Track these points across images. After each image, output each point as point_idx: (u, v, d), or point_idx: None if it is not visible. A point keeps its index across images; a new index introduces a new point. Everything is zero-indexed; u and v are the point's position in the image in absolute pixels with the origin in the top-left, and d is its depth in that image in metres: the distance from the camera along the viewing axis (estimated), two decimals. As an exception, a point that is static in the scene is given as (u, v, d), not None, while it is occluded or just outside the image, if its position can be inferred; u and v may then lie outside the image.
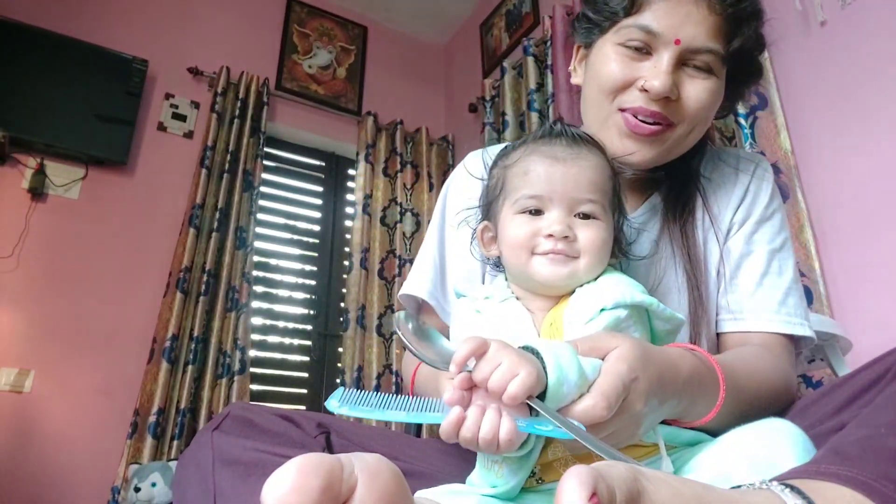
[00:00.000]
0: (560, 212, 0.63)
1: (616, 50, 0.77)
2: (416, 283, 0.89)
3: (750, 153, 0.92)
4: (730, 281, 0.80)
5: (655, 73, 0.73)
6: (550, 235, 0.63)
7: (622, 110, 0.76)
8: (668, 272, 0.80)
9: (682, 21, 0.73)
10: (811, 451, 0.53)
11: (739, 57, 0.77)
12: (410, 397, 0.49)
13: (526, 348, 0.50)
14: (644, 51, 0.75)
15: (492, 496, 0.54)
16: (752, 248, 0.81)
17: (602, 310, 0.59)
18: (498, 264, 0.75)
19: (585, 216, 0.64)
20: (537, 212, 0.65)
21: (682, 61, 0.75)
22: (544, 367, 0.47)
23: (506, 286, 0.69)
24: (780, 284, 0.79)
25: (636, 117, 0.75)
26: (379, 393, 0.49)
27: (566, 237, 0.62)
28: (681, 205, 0.82)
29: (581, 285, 0.65)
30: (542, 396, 0.46)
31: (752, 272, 0.80)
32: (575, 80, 0.87)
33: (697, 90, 0.75)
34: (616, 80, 0.76)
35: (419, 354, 0.50)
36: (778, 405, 0.70)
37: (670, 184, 0.85)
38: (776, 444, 0.52)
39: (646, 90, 0.74)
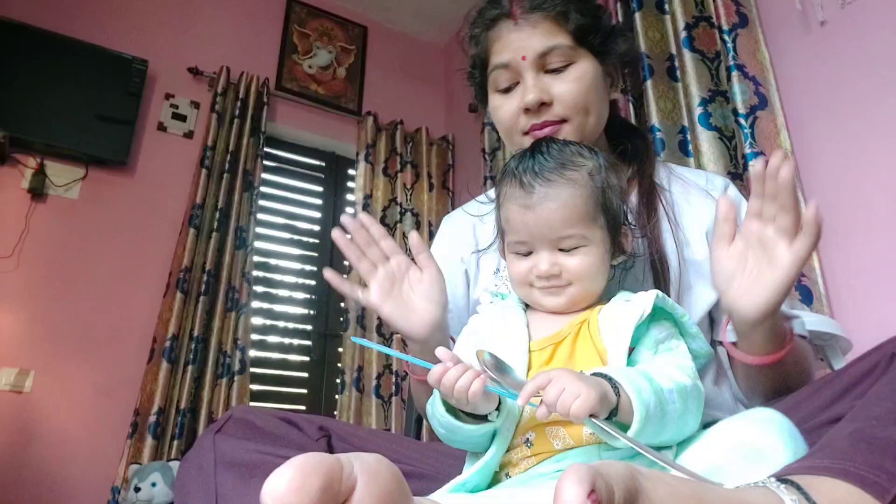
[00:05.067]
0: (544, 252, 0.69)
1: (496, 97, 0.92)
2: None
3: (715, 174, 1.00)
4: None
5: (524, 92, 0.87)
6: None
7: (525, 133, 0.89)
8: (633, 275, 0.83)
9: (518, 44, 0.87)
10: (797, 439, 0.54)
11: (583, 33, 0.87)
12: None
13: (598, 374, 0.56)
14: (512, 86, 0.89)
15: (476, 490, 0.57)
16: None
17: (640, 319, 0.63)
18: None
19: (569, 248, 0.69)
20: (528, 252, 0.71)
21: (542, 69, 0.87)
22: (615, 388, 0.54)
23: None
24: None
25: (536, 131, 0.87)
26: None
27: (553, 274, 0.68)
28: (648, 212, 0.88)
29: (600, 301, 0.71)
30: (614, 412, 0.54)
31: None
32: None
33: (565, 84, 0.86)
34: (506, 118, 0.90)
35: (497, 388, 0.58)
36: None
37: (637, 191, 0.92)
38: (763, 432, 0.53)
39: (527, 109, 0.86)
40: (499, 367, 0.60)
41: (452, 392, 0.56)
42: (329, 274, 0.82)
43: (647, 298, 0.65)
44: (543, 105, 0.85)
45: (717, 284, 0.71)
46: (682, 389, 0.58)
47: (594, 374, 0.56)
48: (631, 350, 0.63)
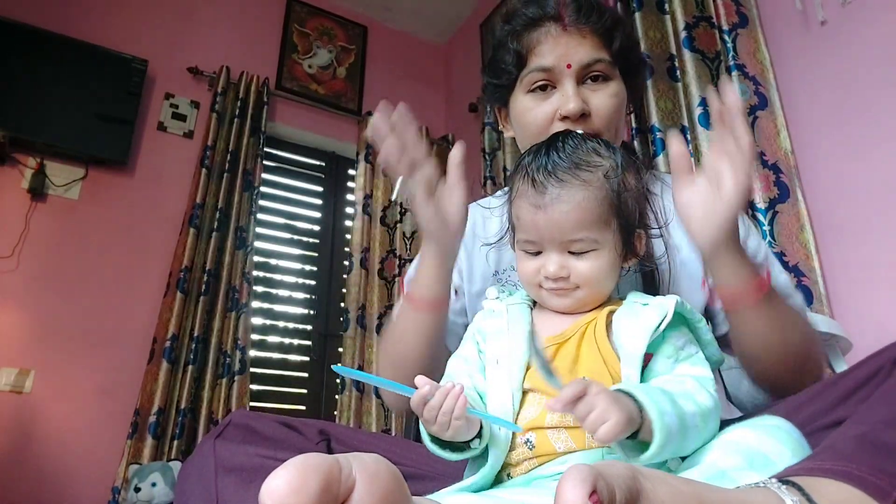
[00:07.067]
0: (553, 253, 0.67)
1: (527, 98, 0.90)
2: None
3: None
4: None
5: (565, 99, 0.85)
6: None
7: None
8: (625, 277, 0.81)
9: (566, 50, 0.86)
10: (805, 447, 0.53)
11: (623, 55, 0.90)
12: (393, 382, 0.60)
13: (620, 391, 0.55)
14: (549, 87, 0.88)
15: (478, 491, 0.57)
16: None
17: (658, 326, 0.62)
18: None
19: (579, 251, 0.67)
20: (537, 252, 0.69)
21: (581, 80, 0.87)
22: (640, 408, 0.53)
23: (525, 294, 0.74)
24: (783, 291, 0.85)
25: None
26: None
27: (561, 276, 0.67)
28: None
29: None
30: (635, 434, 0.54)
31: None
32: (508, 134, 1.00)
33: (602, 99, 0.87)
34: (539, 121, 0.88)
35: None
36: (807, 363, 0.77)
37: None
38: (770, 438, 0.53)
39: (566, 116, 0.85)
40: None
41: (435, 419, 0.56)
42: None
43: (667, 304, 0.63)
44: (582, 115, 0.85)
45: (680, 215, 0.73)
46: (704, 412, 0.57)
47: (618, 390, 0.54)
48: (647, 356, 0.61)
